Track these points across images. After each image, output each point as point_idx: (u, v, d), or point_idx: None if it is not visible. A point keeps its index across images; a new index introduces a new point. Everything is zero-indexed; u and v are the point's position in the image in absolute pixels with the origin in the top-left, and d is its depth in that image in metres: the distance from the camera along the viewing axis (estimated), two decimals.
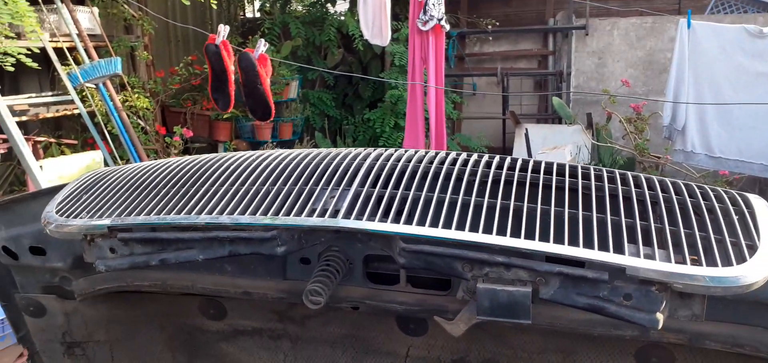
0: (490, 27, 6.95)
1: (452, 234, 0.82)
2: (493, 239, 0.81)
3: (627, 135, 5.74)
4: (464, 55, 7.26)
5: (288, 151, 1.13)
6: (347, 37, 6.31)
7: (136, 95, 5.08)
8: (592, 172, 0.96)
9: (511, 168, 0.97)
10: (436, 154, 1.03)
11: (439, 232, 0.83)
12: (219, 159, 1.15)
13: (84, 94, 4.80)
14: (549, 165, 0.98)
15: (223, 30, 3.22)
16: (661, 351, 1.19)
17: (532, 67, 7.38)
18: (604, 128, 6.07)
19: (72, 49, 4.97)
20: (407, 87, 4.76)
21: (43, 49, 4.69)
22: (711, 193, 0.92)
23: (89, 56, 4.83)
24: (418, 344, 1.39)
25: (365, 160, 1.03)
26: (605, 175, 0.95)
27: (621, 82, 5.88)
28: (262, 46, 3.15)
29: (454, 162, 0.99)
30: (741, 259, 0.79)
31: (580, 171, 0.97)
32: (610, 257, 0.78)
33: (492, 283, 0.82)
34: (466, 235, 0.82)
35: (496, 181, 0.93)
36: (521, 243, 0.80)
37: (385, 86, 6.39)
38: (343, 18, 6.49)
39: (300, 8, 7.10)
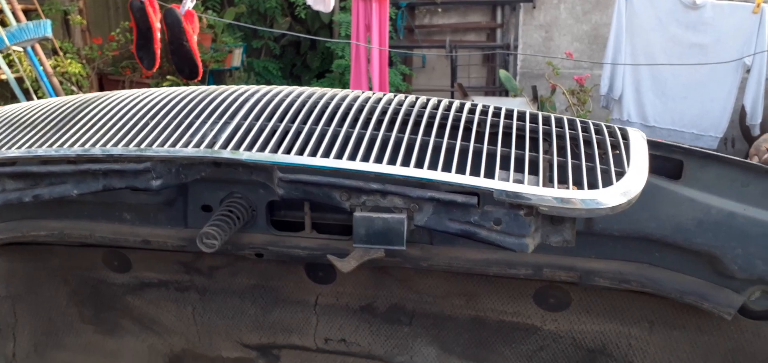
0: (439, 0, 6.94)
1: (328, 162, 0.81)
2: (369, 167, 0.80)
3: (570, 107, 5.85)
4: (414, 26, 7.23)
5: (177, 88, 1.09)
6: (293, 5, 6.20)
7: (69, 61, 4.88)
8: (478, 108, 0.96)
9: (399, 104, 0.96)
10: (325, 92, 1.01)
11: (316, 161, 0.81)
12: (103, 96, 1.10)
13: (11, 58, 4.57)
14: (435, 102, 0.97)
15: None
16: (557, 291, 1.22)
17: (480, 40, 7.42)
18: (548, 100, 6.16)
19: None
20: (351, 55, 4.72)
21: None
22: (591, 127, 0.94)
23: (17, 19, 4.60)
24: (326, 292, 1.39)
25: (252, 97, 1.00)
26: (490, 111, 0.95)
27: (564, 54, 5.97)
28: (189, 2, 3.06)
29: (341, 98, 0.98)
30: (607, 184, 0.81)
31: (466, 107, 0.97)
32: (479, 181, 0.78)
33: (368, 212, 0.81)
34: (341, 163, 0.81)
35: (379, 116, 0.92)
36: (394, 169, 0.80)
37: (333, 56, 6.32)
38: None
39: None
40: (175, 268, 1.42)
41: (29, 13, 4.94)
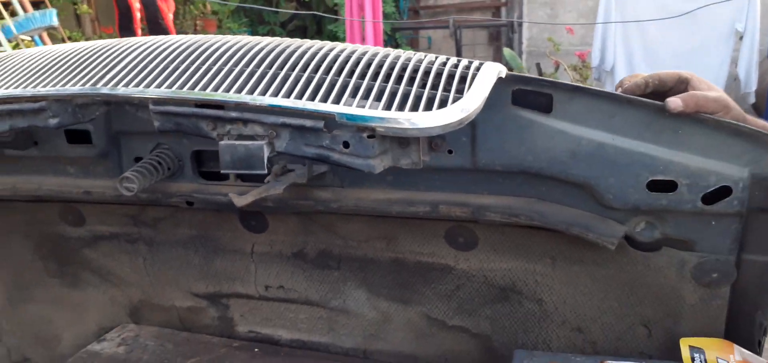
0: None
1: (192, 94, 0.89)
2: (229, 97, 0.88)
3: (572, 82, 5.84)
4: (418, 7, 7.28)
5: (84, 43, 1.19)
6: None
7: None
8: (342, 48, 1.03)
9: (274, 46, 1.03)
10: (211, 38, 1.09)
11: (182, 93, 0.90)
12: (18, 53, 1.21)
13: (19, 47, 4.76)
14: (308, 44, 1.04)
15: None
16: (464, 230, 1.29)
17: (485, 18, 7.43)
18: (552, 76, 6.17)
19: (7, 4, 4.92)
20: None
21: None
22: (449, 61, 1.00)
23: (24, 9, 4.79)
24: (260, 241, 1.48)
25: (145, 44, 1.08)
26: (351, 49, 1.02)
27: (565, 29, 5.96)
28: None
29: (223, 41, 1.05)
30: (442, 107, 0.87)
31: (330, 47, 1.03)
32: (325, 107, 0.86)
33: (233, 140, 0.90)
34: (204, 94, 0.89)
35: (251, 57, 0.99)
36: (251, 98, 0.88)
37: (340, 41, 6.40)
38: None
39: None
40: (124, 221, 1.52)
41: (38, 4, 5.12)
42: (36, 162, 1.37)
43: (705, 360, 1.07)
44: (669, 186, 1.02)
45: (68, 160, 1.35)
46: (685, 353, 1.09)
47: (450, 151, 1.10)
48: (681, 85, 1.03)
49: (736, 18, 3.92)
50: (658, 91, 1.03)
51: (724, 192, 1.01)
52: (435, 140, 1.09)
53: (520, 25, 6.85)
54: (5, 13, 4.64)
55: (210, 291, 1.61)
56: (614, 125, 1.02)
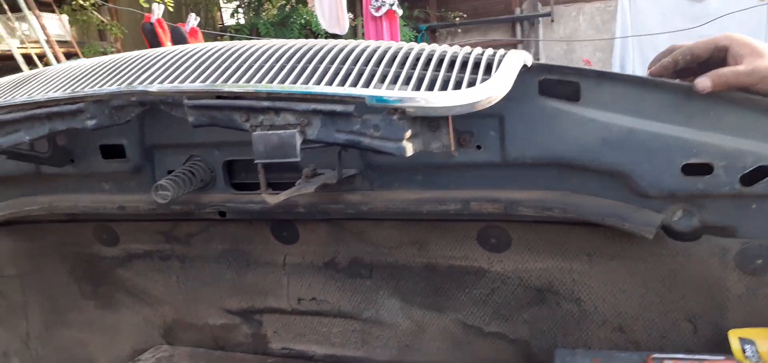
0: (458, 19, 7.08)
1: (224, 87, 0.92)
2: (261, 87, 0.90)
3: None
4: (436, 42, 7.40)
5: (115, 55, 1.23)
6: (315, 33, 6.44)
7: None
8: (369, 43, 1.05)
9: (301, 46, 1.06)
10: (240, 42, 1.12)
11: (214, 86, 0.92)
12: (63, 63, 1.25)
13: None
14: (337, 42, 1.06)
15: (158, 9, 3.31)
16: (496, 230, 1.28)
17: None
18: None
19: (42, 56, 5.11)
20: None
21: (11, 57, 4.82)
22: (475, 50, 1.00)
23: (58, 61, 4.97)
24: (292, 251, 1.48)
25: (176, 50, 1.11)
26: (377, 44, 1.04)
27: (583, 61, 5.98)
28: (192, 20, 3.27)
29: (253, 45, 1.08)
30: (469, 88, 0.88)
31: (360, 43, 1.06)
32: (354, 90, 0.87)
33: (265, 130, 0.91)
34: (236, 87, 0.91)
35: (282, 54, 1.01)
36: (282, 87, 0.90)
37: None
38: (306, 15, 6.63)
39: (274, 12, 7.24)
40: (157, 238, 1.54)
41: (70, 55, 5.31)
42: (72, 180, 1.40)
43: (757, 352, 1.03)
44: (704, 169, 1.01)
45: (103, 176, 1.38)
46: (735, 345, 1.05)
47: (479, 147, 1.10)
48: (718, 54, 0.98)
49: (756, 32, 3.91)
50: (691, 66, 1.02)
51: (762, 172, 0.99)
52: (463, 135, 1.10)
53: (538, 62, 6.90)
54: (41, 67, 4.82)
55: (243, 307, 1.61)
56: (644, 109, 1.01)
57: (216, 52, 1.06)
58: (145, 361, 1.71)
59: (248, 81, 0.94)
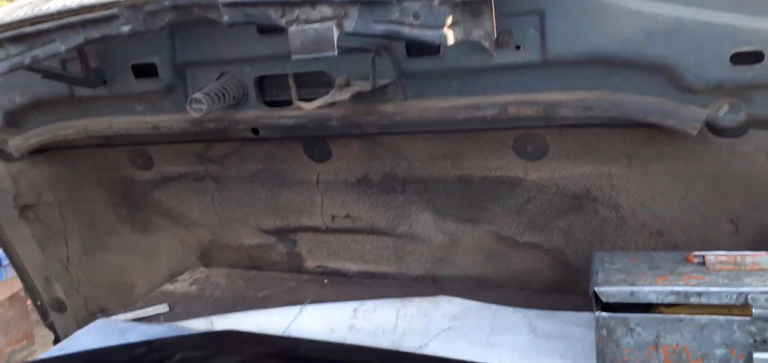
0: None
1: None
2: None
3: None
4: None
5: None
6: None
7: None
8: None
9: None
10: None
11: None
12: None
13: None
14: None
15: None
16: (533, 137, 1.25)
17: None
18: None
19: None
20: None
21: None
22: None
23: None
24: (325, 170, 1.48)
25: None
26: None
27: None
28: None
29: None
30: None
31: None
32: None
33: (301, 25, 0.89)
34: None
35: None
36: None
37: None
38: None
39: None
40: (191, 159, 1.55)
41: None
42: (105, 102, 1.40)
43: None
44: (755, 57, 0.96)
45: (136, 96, 1.37)
46: None
47: (518, 47, 1.07)
48: None
49: None
50: None
51: None
52: (502, 35, 1.05)
53: None
54: None
55: (278, 226, 1.63)
56: None
57: None
58: (182, 282, 1.75)
59: None
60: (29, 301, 3.67)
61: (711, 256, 1.04)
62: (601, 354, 1.05)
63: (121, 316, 1.62)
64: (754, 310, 0.92)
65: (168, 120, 1.36)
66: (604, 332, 1.04)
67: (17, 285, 3.54)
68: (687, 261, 1.06)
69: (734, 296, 0.93)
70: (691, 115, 1.03)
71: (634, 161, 1.20)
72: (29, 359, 3.37)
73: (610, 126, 1.14)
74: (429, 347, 1.29)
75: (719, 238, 1.18)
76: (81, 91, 1.36)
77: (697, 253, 1.07)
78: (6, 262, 3.48)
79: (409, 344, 1.31)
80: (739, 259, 1.02)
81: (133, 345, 1.38)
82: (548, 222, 1.35)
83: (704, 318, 0.96)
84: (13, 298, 3.54)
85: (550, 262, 1.40)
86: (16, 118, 1.47)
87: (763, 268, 0.99)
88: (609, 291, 1.02)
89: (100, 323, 1.57)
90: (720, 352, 0.97)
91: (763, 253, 1.01)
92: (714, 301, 0.95)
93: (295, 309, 1.51)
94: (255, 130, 1.35)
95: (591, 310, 1.07)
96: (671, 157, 1.16)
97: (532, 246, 1.40)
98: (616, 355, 1.04)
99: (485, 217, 1.40)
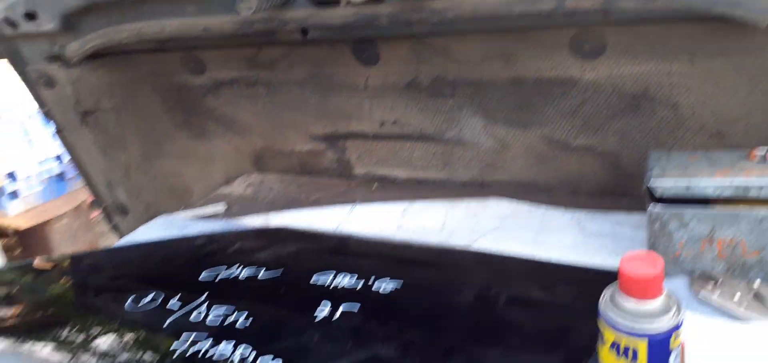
0: None
1: None
2: None
3: None
4: None
5: None
6: None
7: None
8: None
9: None
10: None
11: None
12: None
13: None
14: None
15: None
16: (591, 35, 1.22)
17: None
18: None
19: None
20: None
21: None
22: None
23: None
24: (374, 74, 1.48)
25: None
26: None
27: None
28: None
29: None
30: None
31: None
32: None
33: None
34: None
35: None
36: None
37: None
38: None
39: None
40: (242, 65, 1.57)
41: None
42: (158, 5, 1.43)
43: None
44: None
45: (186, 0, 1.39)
46: None
47: None
48: None
49: None
50: None
51: None
52: None
53: None
54: None
55: (327, 132, 1.66)
56: None
57: None
58: (238, 185, 1.82)
59: None
60: (93, 213, 3.90)
61: None
62: (652, 248, 1.05)
63: (181, 213, 1.69)
64: None
65: (218, 21, 1.38)
66: (656, 226, 1.03)
67: (80, 197, 3.74)
68: (749, 157, 1.03)
69: None
70: (761, 5, 0.98)
71: (697, 57, 1.15)
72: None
73: (673, 21, 1.09)
74: (476, 244, 1.31)
75: None
76: None
77: (761, 149, 1.04)
78: (69, 175, 3.68)
79: (457, 242, 1.34)
80: None
81: (193, 236, 1.46)
82: (603, 124, 1.32)
83: (763, 211, 0.95)
84: (77, 209, 3.75)
85: (602, 165, 1.39)
86: (72, 22, 1.51)
87: None
88: (664, 184, 1.01)
89: (161, 219, 1.66)
90: None
91: None
92: None
93: (346, 208, 1.55)
94: (304, 31, 1.35)
95: (643, 211, 1.07)
96: (737, 51, 1.11)
97: (585, 149, 1.38)
98: (668, 249, 1.03)
99: (537, 121, 1.39)
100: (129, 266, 1.38)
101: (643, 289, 0.72)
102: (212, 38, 1.42)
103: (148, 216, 2.00)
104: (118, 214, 2.01)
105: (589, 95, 1.30)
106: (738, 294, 0.96)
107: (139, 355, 1.01)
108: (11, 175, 3.45)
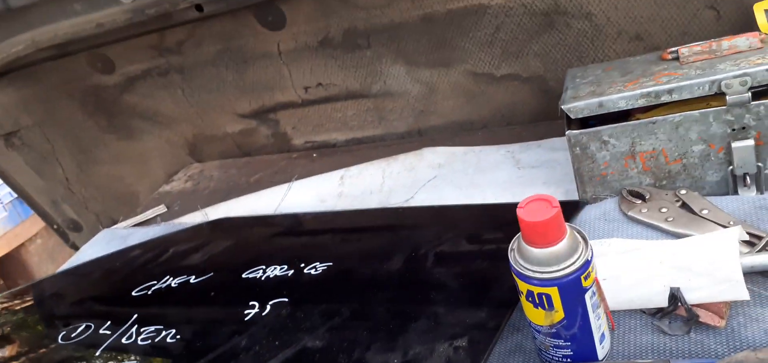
0: None
1: None
2: None
3: None
4: None
5: None
6: None
7: None
8: None
9: None
10: None
11: None
12: None
13: None
14: None
15: None
16: None
17: None
18: None
19: None
20: None
21: None
22: None
23: None
24: (284, 37, 1.41)
25: None
26: None
27: None
28: None
29: None
30: None
31: None
32: None
33: None
34: None
35: None
36: None
37: None
38: None
39: None
40: (149, 54, 1.50)
41: None
42: (44, 8, 1.34)
43: None
44: None
45: None
46: (761, 19, 0.93)
47: None
48: None
49: None
50: None
51: None
52: None
53: None
54: None
55: (254, 108, 1.59)
56: None
57: None
58: (177, 181, 1.76)
59: None
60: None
61: (685, 49, 0.95)
62: (578, 173, 1.00)
63: (123, 224, 1.64)
64: (728, 98, 0.84)
65: (109, 14, 1.30)
66: (578, 150, 0.98)
67: None
68: (661, 60, 0.98)
69: (706, 86, 0.85)
70: None
71: None
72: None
73: None
74: (415, 199, 1.27)
75: (700, 27, 1.08)
76: (15, 2, 1.30)
77: (671, 49, 0.98)
78: None
79: (396, 200, 1.29)
80: (714, 45, 0.93)
81: (129, 248, 1.41)
82: (521, 48, 1.26)
83: (678, 116, 0.89)
84: (47, 228, 3.69)
85: (531, 91, 1.33)
86: None
87: (740, 51, 0.90)
88: (577, 106, 0.95)
89: (102, 234, 1.61)
90: (698, 148, 0.91)
91: (740, 35, 0.91)
92: (686, 95, 0.87)
93: (284, 187, 1.50)
94: (198, 7, 1.27)
95: None
96: None
97: (511, 77, 1.32)
98: (593, 171, 0.99)
99: (457, 57, 1.33)
100: (62, 296, 1.34)
101: (543, 235, 0.67)
102: (109, 32, 1.34)
103: (102, 226, 1.95)
104: (71, 231, 1.97)
105: (501, 20, 1.23)
106: (665, 207, 0.92)
107: None
108: None
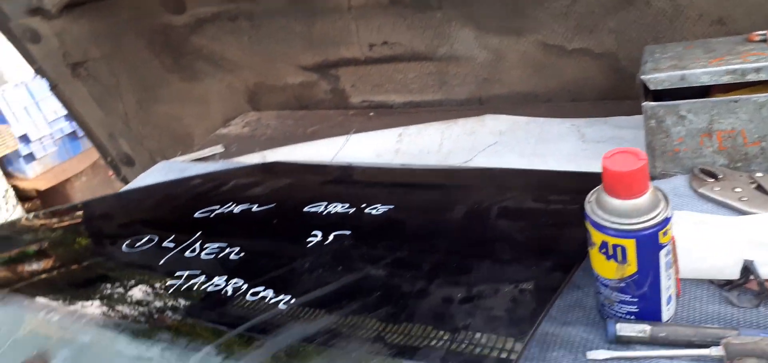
0: None
1: None
2: None
3: None
4: None
5: None
6: None
7: None
8: None
9: None
10: None
11: None
12: None
13: None
14: None
15: None
16: None
17: None
18: None
19: None
20: None
21: None
22: None
23: None
24: None
25: None
26: None
27: None
28: None
29: None
30: None
31: None
32: None
33: None
34: None
35: None
36: None
37: None
38: None
39: None
40: None
41: None
42: None
43: None
44: None
45: None
46: None
47: None
48: None
49: None
50: None
51: None
52: None
53: None
54: None
55: (317, 61, 1.61)
56: None
57: None
58: (235, 126, 1.80)
59: None
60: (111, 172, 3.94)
61: None
62: (650, 147, 1.00)
63: (180, 158, 1.69)
64: None
65: None
66: (653, 123, 0.98)
67: (96, 154, 3.78)
68: (748, 41, 0.97)
69: None
70: None
71: None
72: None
73: None
74: (474, 161, 1.28)
75: None
76: None
77: (760, 31, 0.97)
78: (81, 133, 3.70)
79: (455, 161, 1.30)
80: None
81: (189, 177, 1.45)
82: (597, 23, 1.25)
83: (763, 96, 0.89)
84: (94, 166, 3.79)
85: (601, 68, 1.32)
86: None
87: None
88: (657, 77, 0.95)
89: (160, 165, 1.65)
90: None
91: None
92: None
93: (342, 139, 1.52)
94: None
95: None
96: None
97: (582, 52, 1.32)
98: (666, 146, 0.99)
99: (530, 26, 1.33)
100: (125, 211, 1.38)
101: (627, 187, 0.68)
102: None
103: (154, 163, 2.00)
104: (124, 166, 2.02)
105: None
106: (739, 188, 0.92)
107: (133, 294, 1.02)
108: (24, 138, 3.49)
